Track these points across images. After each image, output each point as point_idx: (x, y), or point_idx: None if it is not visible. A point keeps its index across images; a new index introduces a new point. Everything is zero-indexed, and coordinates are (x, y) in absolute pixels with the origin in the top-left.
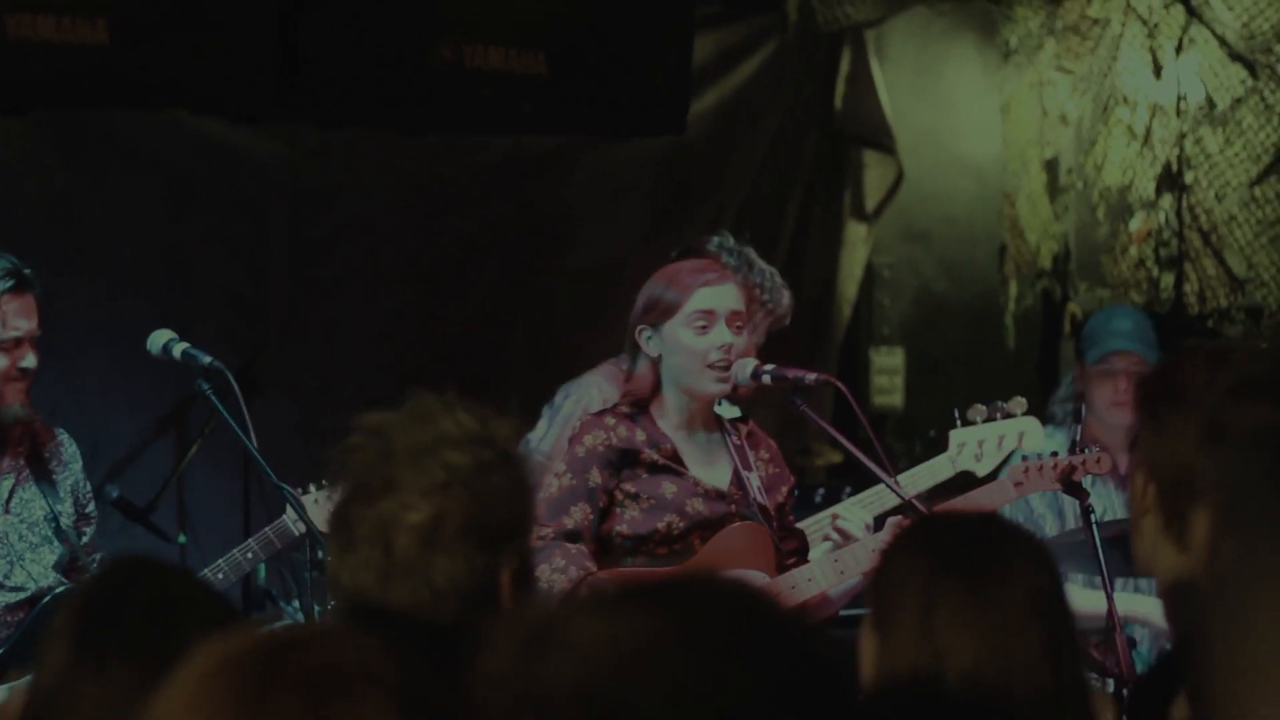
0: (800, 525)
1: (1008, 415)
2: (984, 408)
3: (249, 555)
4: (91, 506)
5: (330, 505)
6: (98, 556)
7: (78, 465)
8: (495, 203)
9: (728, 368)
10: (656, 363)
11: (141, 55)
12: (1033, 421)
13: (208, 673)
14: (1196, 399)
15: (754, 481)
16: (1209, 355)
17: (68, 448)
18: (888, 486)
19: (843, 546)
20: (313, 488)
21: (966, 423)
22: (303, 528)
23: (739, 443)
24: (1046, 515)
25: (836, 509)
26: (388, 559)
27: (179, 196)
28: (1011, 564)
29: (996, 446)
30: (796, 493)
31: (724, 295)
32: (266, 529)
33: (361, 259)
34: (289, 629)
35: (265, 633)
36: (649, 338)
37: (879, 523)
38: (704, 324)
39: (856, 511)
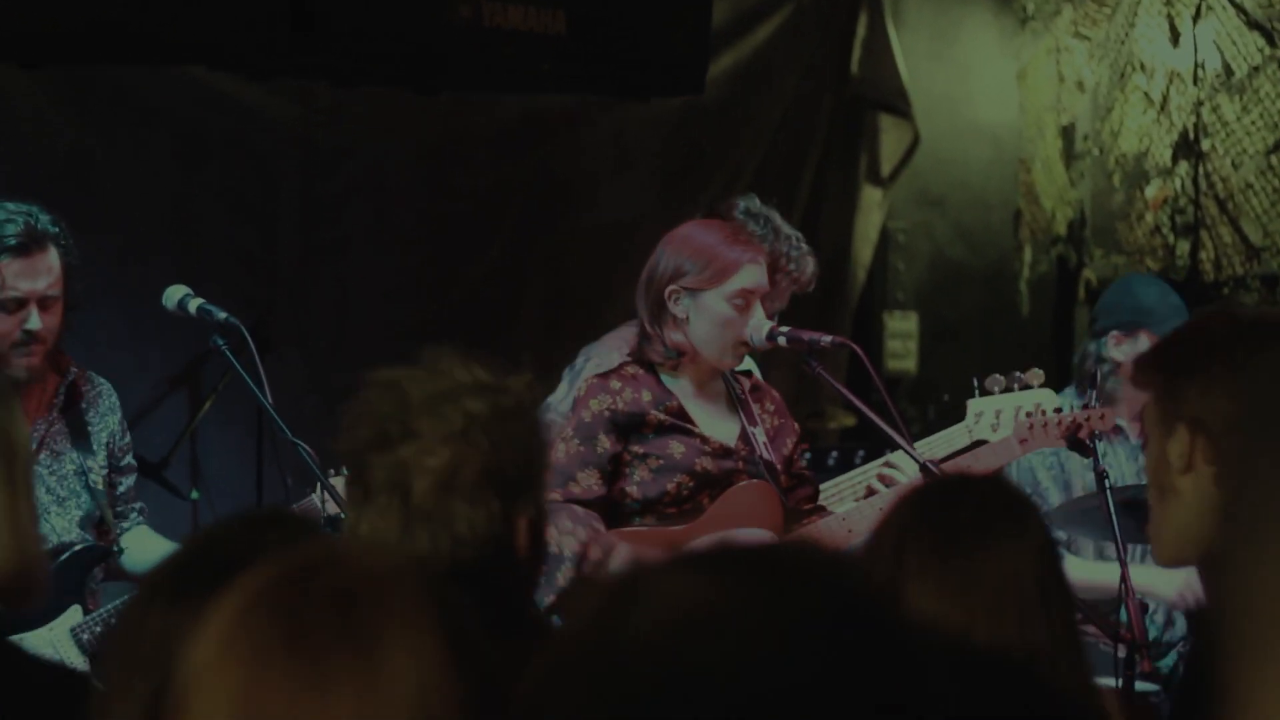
0: (837, 480)
1: (1025, 386)
2: (1002, 378)
3: None
4: (129, 457)
5: (347, 456)
6: (137, 506)
7: (115, 416)
8: (509, 162)
9: (748, 344)
10: (683, 325)
11: (155, 11)
12: (1049, 393)
13: (239, 610)
14: (1232, 345)
15: (760, 437)
16: (1220, 308)
17: (106, 398)
18: (903, 449)
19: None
20: (332, 471)
21: (984, 393)
22: (330, 508)
23: (743, 396)
24: (1051, 488)
25: (890, 457)
26: (406, 506)
27: (191, 153)
28: (989, 531)
29: (1014, 417)
30: (808, 455)
31: (762, 275)
32: (293, 506)
33: (374, 217)
34: (312, 550)
35: (288, 559)
36: (680, 300)
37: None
38: (743, 302)
39: (908, 461)
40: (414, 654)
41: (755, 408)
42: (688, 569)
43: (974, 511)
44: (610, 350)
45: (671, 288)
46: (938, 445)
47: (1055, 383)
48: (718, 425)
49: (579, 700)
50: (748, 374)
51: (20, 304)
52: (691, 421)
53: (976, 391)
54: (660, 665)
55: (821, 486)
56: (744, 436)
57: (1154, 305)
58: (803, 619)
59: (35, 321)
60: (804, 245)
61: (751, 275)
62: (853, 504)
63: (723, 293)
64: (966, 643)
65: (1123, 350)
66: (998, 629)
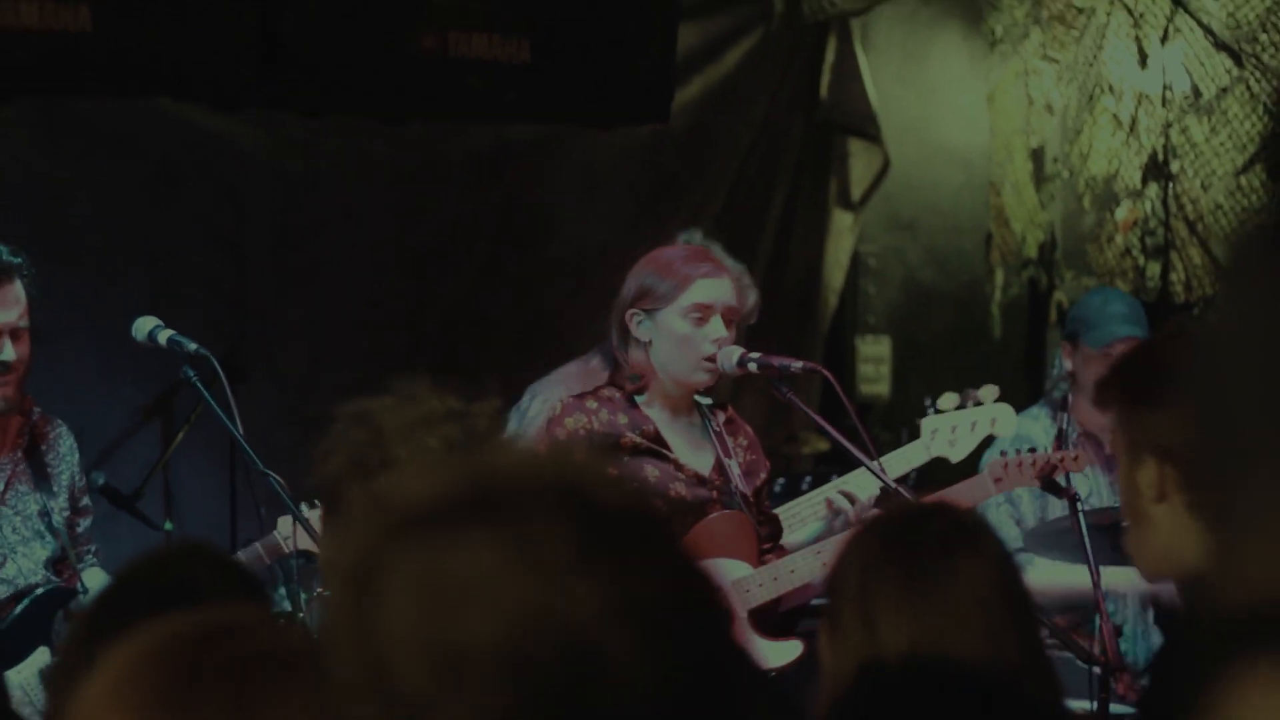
0: (796, 501)
1: (978, 403)
2: (956, 395)
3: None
4: (87, 499)
5: (322, 487)
6: (92, 548)
7: (75, 458)
8: (478, 191)
9: (715, 360)
10: (645, 348)
11: (124, 42)
12: (1004, 408)
13: (133, 661)
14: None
15: (735, 469)
16: (1177, 328)
17: (65, 440)
18: (873, 474)
19: (839, 515)
20: (304, 506)
21: (939, 411)
22: (301, 542)
23: (718, 429)
24: (1024, 496)
25: (846, 477)
26: None
27: (161, 184)
28: (953, 554)
29: (969, 431)
30: (782, 483)
31: (721, 289)
32: (256, 543)
33: (344, 246)
34: (215, 616)
35: (194, 620)
36: (640, 323)
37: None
38: (700, 316)
39: (866, 480)
40: None
41: (730, 440)
42: (420, 547)
43: (933, 543)
44: (555, 386)
45: (631, 310)
46: (896, 463)
47: (1029, 404)
48: (693, 454)
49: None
50: (724, 407)
51: None
52: (667, 447)
53: (931, 410)
54: (422, 658)
55: (779, 509)
56: (719, 467)
57: (1087, 313)
58: (561, 566)
59: (9, 352)
60: (746, 277)
61: (704, 289)
62: (816, 524)
63: (678, 309)
64: (941, 661)
65: (1071, 360)
66: (970, 647)
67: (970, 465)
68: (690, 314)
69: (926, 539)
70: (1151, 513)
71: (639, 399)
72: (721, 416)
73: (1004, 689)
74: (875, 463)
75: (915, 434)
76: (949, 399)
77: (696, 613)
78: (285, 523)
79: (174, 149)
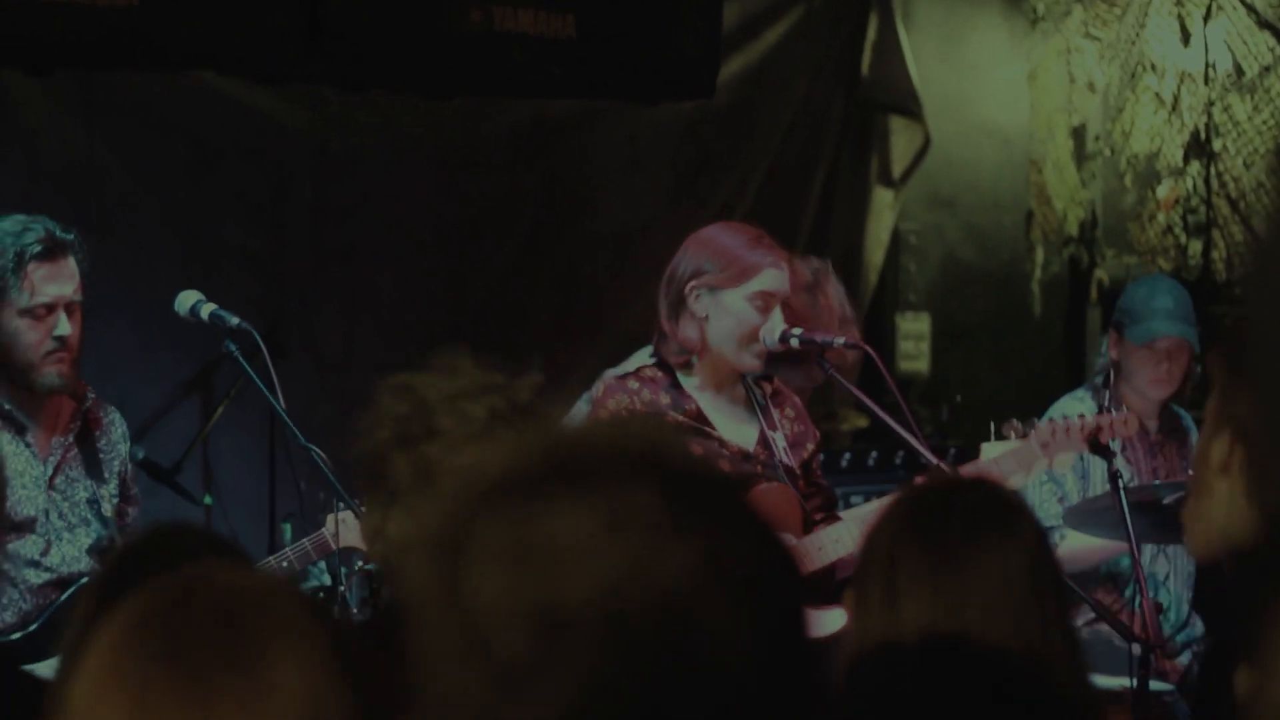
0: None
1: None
2: (1020, 425)
3: (284, 565)
4: (136, 488)
5: (366, 460)
6: None
7: (126, 445)
8: (520, 167)
9: (764, 345)
10: (701, 323)
11: (167, 17)
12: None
13: (123, 628)
14: None
15: (780, 441)
16: None
17: (118, 427)
18: (915, 449)
19: None
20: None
21: (1000, 438)
22: (339, 542)
23: (764, 402)
24: (1068, 475)
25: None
26: None
27: (202, 159)
28: (981, 533)
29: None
30: (822, 457)
31: (784, 280)
32: (305, 541)
33: (385, 223)
34: (188, 573)
35: (170, 578)
36: (700, 297)
37: None
38: (763, 304)
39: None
40: (299, 665)
41: (775, 413)
42: (513, 517)
43: (962, 521)
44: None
45: (693, 284)
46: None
47: (1069, 383)
48: (737, 429)
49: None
50: (769, 379)
51: (49, 310)
52: (710, 425)
53: (992, 435)
54: (520, 623)
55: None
56: (763, 441)
57: (1133, 305)
58: (650, 529)
59: (65, 327)
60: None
61: (772, 278)
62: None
63: (743, 293)
64: (958, 642)
65: (1116, 350)
66: (992, 629)
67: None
68: (755, 300)
69: (956, 516)
70: (1214, 485)
71: (682, 376)
72: (769, 389)
73: (1022, 672)
74: (918, 440)
75: (955, 411)
76: (1012, 427)
77: (779, 573)
78: (331, 520)
79: (215, 124)
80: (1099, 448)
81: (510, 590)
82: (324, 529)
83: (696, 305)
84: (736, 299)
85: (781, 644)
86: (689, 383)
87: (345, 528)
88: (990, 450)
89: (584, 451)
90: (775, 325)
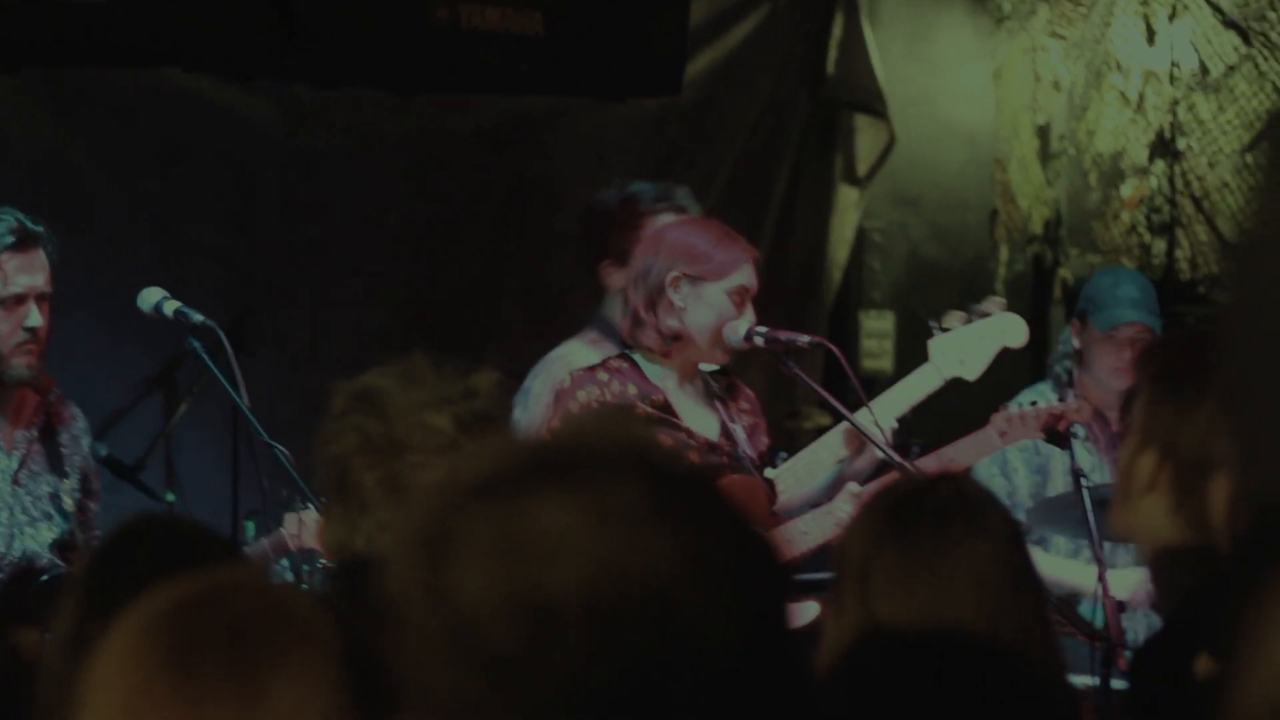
0: (803, 454)
1: (984, 315)
2: (960, 313)
3: None
4: (97, 483)
5: (330, 469)
6: (98, 532)
7: (87, 440)
8: (487, 163)
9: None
10: (680, 314)
11: (136, 13)
12: (1012, 318)
13: (136, 631)
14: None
15: (740, 433)
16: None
17: (79, 422)
18: (878, 448)
19: (856, 449)
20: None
21: (944, 330)
22: (299, 542)
23: (722, 394)
24: (1020, 468)
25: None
26: None
27: (169, 155)
28: (951, 530)
29: (978, 344)
30: (783, 457)
31: (753, 275)
32: (264, 539)
33: (351, 220)
34: (214, 579)
35: (190, 585)
36: (682, 288)
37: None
38: (739, 299)
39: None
40: (300, 687)
41: (732, 405)
42: (498, 508)
43: (933, 519)
44: (556, 363)
45: (674, 274)
46: (909, 392)
47: (1033, 381)
48: (701, 420)
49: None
50: (725, 372)
51: (20, 300)
52: (677, 415)
53: (937, 331)
54: (507, 617)
55: (787, 463)
56: (725, 432)
57: (1097, 294)
58: (636, 521)
59: (35, 318)
60: None
61: (748, 274)
62: (827, 472)
63: (724, 286)
64: (933, 641)
65: (1079, 339)
66: (968, 626)
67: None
68: (734, 294)
69: (925, 515)
70: (1139, 501)
71: (646, 366)
72: (724, 382)
73: (999, 669)
74: (881, 438)
75: (917, 408)
76: (954, 317)
77: (761, 566)
78: (291, 519)
79: (183, 121)
80: (1056, 436)
81: (496, 584)
82: (283, 528)
83: (675, 295)
84: (717, 292)
85: (764, 634)
86: (654, 373)
87: (306, 528)
88: (937, 346)
89: (567, 448)
90: (739, 323)
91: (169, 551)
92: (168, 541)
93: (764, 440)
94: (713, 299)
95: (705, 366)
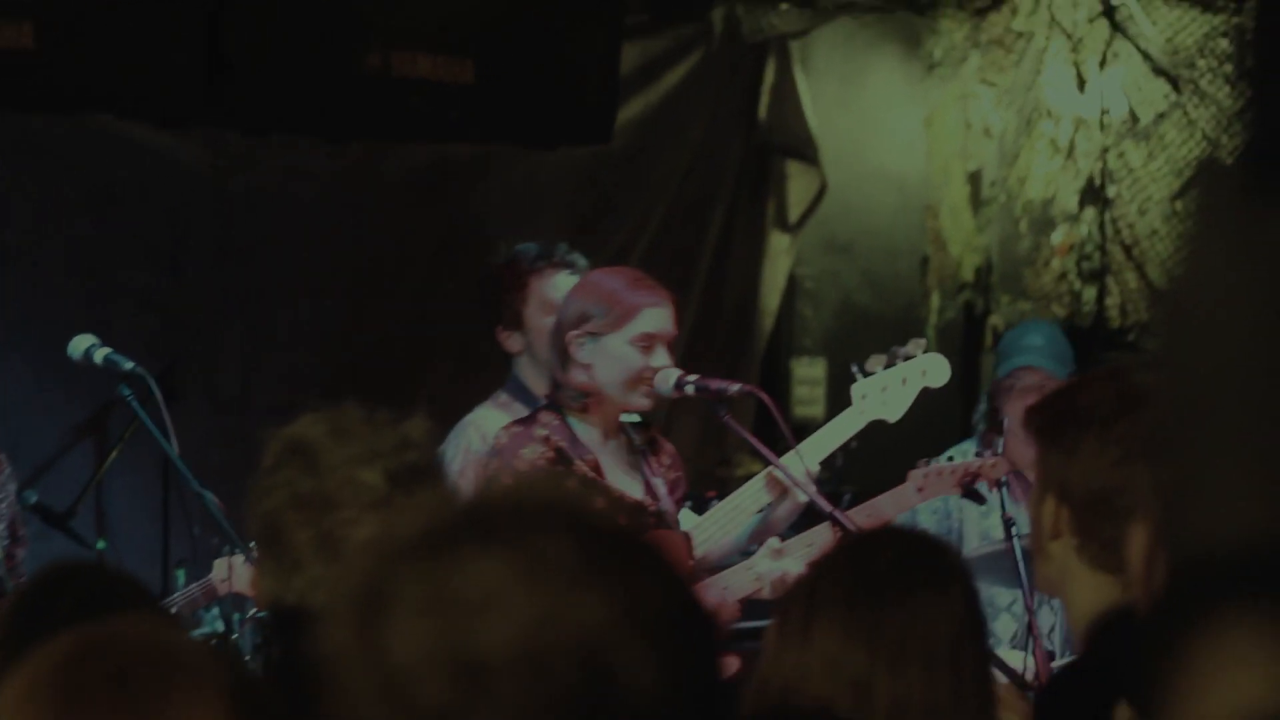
0: (726, 502)
1: (907, 357)
2: (882, 356)
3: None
4: (26, 530)
5: (261, 523)
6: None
7: (13, 487)
8: (419, 211)
9: (654, 386)
10: (587, 370)
11: (67, 59)
12: (934, 358)
13: (29, 681)
14: (1107, 418)
15: (662, 487)
16: (1108, 374)
17: (6, 469)
18: (809, 497)
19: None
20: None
21: (867, 374)
22: (229, 587)
23: (644, 448)
24: (967, 520)
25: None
26: None
27: (101, 201)
28: (905, 582)
29: (900, 387)
30: (716, 503)
31: (665, 318)
32: (194, 586)
33: (283, 266)
34: (104, 628)
35: (76, 636)
36: (583, 346)
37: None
38: (645, 345)
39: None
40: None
41: (653, 460)
42: (429, 568)
43: (892, 560)
44: (465, 429)
45: (574, 333)
46: (833, 435)
47: (964, 428)
48: (625, 479)
49: None
50: (646, 426)
51: None
52: (604, 477)
53: (859, 375)
54: (440, 676)
55: (709, 512)
56: (649, 488)
57: (1004, 344)
58: (567, 578)
59: None
60: None
61: (652, 318)
62: (748, 521)
63: (624, 336)
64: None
65: (993, 393)
66: (899, 680)
67: (904, 462)
68: (637, 342)
69: (884, 558)
70: (1048, 548)
71: (575, 425)
72: (645, 436)
73: None
74: (812, 487)
75: (849, 455)
76: (876, 360)
77: (693, 621)
78: (221, 564)
79: (115, 166)
80: (971, 492)
81: (428, 640)
82: (211, 575)
83: (580, 353)
84: (618, 343)
85: (694, 687)
86: (583, 432)
87: (235, 574)
88: (860, 389)
89: (497, 506)
90: (669, 373)
91: (90, 599)
92: (89, 589)
93: (680, 494)
94: (615, 351)
95: (627, 417)
